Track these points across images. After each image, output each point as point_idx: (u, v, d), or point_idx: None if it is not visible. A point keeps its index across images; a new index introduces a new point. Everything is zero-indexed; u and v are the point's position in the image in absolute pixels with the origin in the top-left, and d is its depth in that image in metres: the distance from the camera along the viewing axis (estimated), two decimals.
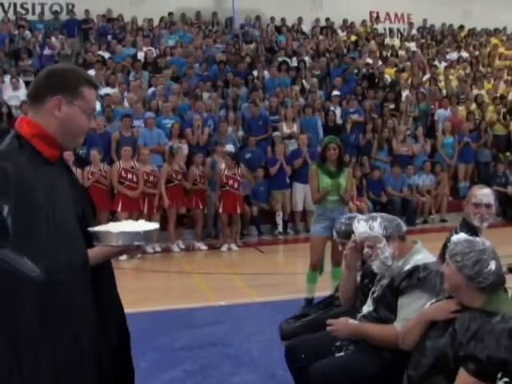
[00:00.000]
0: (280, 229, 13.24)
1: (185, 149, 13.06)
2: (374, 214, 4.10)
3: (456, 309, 3.21)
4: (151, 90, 15.55)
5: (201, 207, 12.45)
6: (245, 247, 12.40)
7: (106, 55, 17.21)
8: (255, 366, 5.74)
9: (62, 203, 2.48)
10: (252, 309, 7.70)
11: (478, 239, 3.29)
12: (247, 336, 6.51)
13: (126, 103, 14.57)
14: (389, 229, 3.90)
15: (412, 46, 21.68)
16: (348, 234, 4.88)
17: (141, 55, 17.58)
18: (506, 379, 2.87)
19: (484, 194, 4.81)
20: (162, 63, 16.78)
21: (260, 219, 13.40)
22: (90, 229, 2.56)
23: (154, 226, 2.69)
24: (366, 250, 3.95)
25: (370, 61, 19.26)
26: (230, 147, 13.12)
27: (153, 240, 2.69)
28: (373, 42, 21.36)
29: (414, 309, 3.62)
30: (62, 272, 2.34)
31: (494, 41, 23.42)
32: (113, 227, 2.59)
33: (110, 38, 18.61)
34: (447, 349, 3.10)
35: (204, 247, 12.24)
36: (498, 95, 18.39)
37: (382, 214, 4.05)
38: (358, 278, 4.31)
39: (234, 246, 12.16)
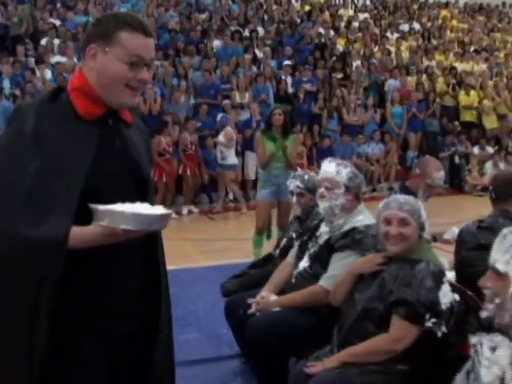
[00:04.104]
0: (231, 196, 13.36)
1: None
2: (347, 162, 4.16)
3: (382, 261, 3.41)
4: None
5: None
6: (195, 214, 12.55)
7: (57, 23, 16.97)
8: (200, 325, 5.89)
9: (72, 171, 2.15)
10: (200, 273, 7.82)
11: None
12: (193, 298, 6.65)
13: None
14: (352, 181, 3.98)
15: (365, 16, 21.81)
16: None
17: None
18: (433, 320, 3.10)
19: (441, 177, 5.00)
20: None
21: (211, 187, 13.46)
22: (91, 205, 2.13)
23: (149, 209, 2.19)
24: (322, 189, 4.02)
25: (322, 31, 19.37)
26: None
27: (151, 224, 2.16)
28: (326, 13, 21.45)
29: (341, 266, 3.76)
30: (30, 248, 2.04)
31: (445, 13, 23.73)
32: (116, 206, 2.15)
33: (59, 5, 18.32)
34: (375, 298, 3.29)
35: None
36: (448, 67, 18.68)
37: (353, 168, 4.12)
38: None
39: (194, 209, 12.59)
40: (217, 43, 17.22)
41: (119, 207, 2.12)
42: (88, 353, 2.22)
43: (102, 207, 2.10)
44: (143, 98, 13.36)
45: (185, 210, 12.43)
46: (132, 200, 2.20)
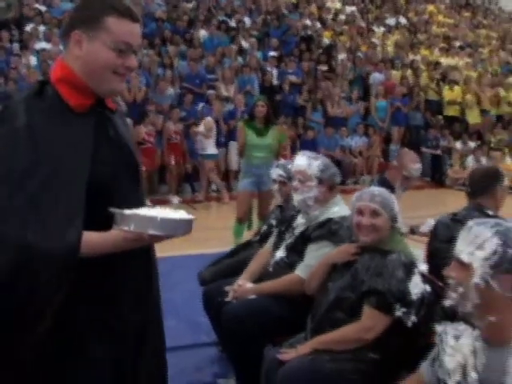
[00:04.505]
0: (214, 187, 13.39)
1: (123, 106, 13.05)
2: (320, 155, 4.27)
3: (355, 251, 3.48)
4: None
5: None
6: (178, 203, 12.56)
7: (43, 9, 16.86)
8: (179, 313, 5.94)
9: (73, 168, 2.02)
10: (179, 261, 7.83)
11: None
12: (173, 286, 6.68)
13: None
14: (324, 173, 4.06)
15: (352, 10, 21.86)
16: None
17: None
18: (403, 309, 3.18)
19: (418, 169, 5.08)
20: None
21: (194, 177, 13.45)
22: (112, 209, 2.04)
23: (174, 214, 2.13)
24: (295, 182, 4.11)
25: (309, 23, 19.41)
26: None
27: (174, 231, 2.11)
28: (313, 5, 21.48)
29: (317, 256, 3.84)
30: (33, 261, 1.90)
31: (431, 8, 23.85)
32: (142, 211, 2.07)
33: None
34: (348, 288, 3.37)
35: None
36: (433, 62, 18.78)
37: (326, 159, 4.22)
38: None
39: (177, 198, 12.73)
40: (203, 33, 17.18)
41: (147, 212, 2.04)
42: (92, 352, 2.15)
43: (128, 212, 2.01)
44: (128, 87, 13.36)
45: (175, 200, 12.50)
46: (131, 189, 2.20)
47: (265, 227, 5.22)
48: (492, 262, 2.15)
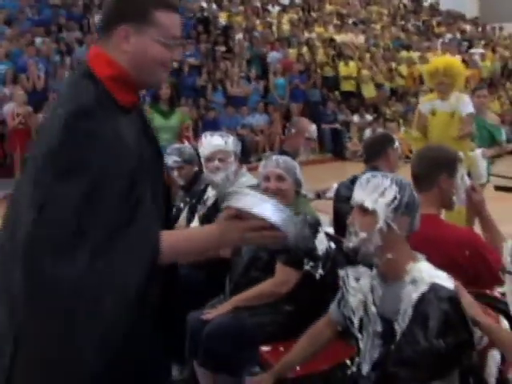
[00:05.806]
0: None
1: (22, 95, 12.87)
2: (224, 133, 4.53)
3: None
4: None
5: None
6: None
7: None
8: None
9: (143, 169, 1.94)
10: None
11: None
12: None
13: None
14: (237, 147, 4.37)
15: None
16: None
17: None
18: (311, 264, 3.53)
19: (315, 129, 5.41)
20: None
21: None
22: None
23: None
24: (215, 162, 4.29)
25: (204, 5, 19.56)
26: None
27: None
28: None
29: None
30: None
31: None
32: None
33: None
34: (260, 248, 3.65)
35: None
36: (328, 39, 19.30)
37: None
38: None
39: None
40: (99, 18, 16.96)
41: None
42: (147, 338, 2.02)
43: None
44: (26, 75, 13.24)
45: None
46: (160, 185, 2.11)
47: (173, 211, 5.33)
48: (393, 206, 2.44)
